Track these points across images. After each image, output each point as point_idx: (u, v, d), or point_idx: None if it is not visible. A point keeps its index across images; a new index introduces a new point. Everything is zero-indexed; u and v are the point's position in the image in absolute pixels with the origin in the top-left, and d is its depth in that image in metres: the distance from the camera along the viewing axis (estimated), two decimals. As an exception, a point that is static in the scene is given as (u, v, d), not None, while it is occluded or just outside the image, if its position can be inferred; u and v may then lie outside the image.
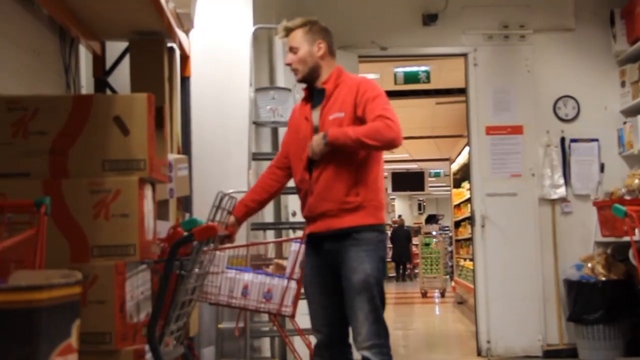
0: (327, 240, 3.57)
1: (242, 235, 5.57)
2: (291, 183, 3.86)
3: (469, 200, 8.70)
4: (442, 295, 15.05)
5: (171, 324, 3.03)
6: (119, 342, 2.82)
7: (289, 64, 3.70)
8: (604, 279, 6.68)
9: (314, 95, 3.70)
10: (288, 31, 3.72)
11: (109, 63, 5.19)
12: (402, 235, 21.70)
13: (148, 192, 3.06)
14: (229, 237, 3.74)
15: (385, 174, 20.51)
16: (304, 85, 3.78)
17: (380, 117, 3.45)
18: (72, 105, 2.97)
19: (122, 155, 2.94)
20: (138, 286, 3.04)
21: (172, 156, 4.27)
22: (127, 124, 2.95)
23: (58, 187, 2.87)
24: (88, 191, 2.88)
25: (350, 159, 3.51)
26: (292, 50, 3.69)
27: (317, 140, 3.50)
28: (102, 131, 2.95)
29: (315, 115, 3.65)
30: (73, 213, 2.84)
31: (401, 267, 22.51)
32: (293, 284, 4.25)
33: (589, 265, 6.86)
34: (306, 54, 3.67)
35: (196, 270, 3.26)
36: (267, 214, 6.23)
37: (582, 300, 6.74)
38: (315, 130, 3.60)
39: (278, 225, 6.13)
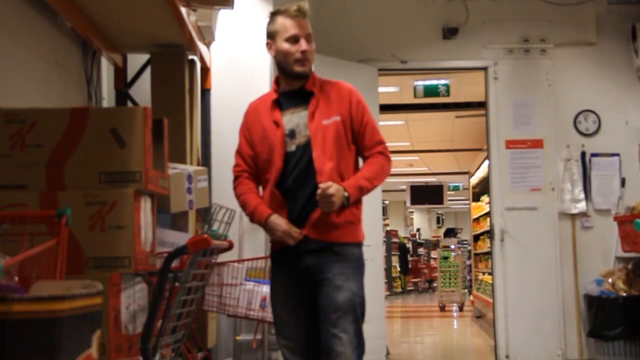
0: (308, 254, 3.24)
1: (260, 247, 5.58)
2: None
3: (488, 214, 8.67)
4: (461, 309, 14.96)
5: (166, 335, 3.03)
6: (113, 354, 2.82)
7: (305, 51, 3.25)
8: (624, 294, 6.63)
9: (286, 97, 3.33)
10: (304, 14, 3.28)
11: (130, 75, 5.24)
12: (401, 248, 21.65)
13: (146, 204, 3.07)
14: (229, 249, 3.65)
15: (404, 186, 20.51)
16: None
17: (379, 147, 3.32)
18: (69, 118, 2.98)
19: (118, 167, 2.96)
20: (134, 298, 3.04)
21: (191, 168, 4.29)
22: (123, 136, 2.97)
23: (54, 199, 2.88)
24: (84, 203, 2.89)
25: (345, 171, 3.27)
26: (309, 38, 3.29)
27: (338, 198, 3.15)
28: (98, 143, 2.97)
29: (290, 120, 3.28)
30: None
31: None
32: (311, 297, 4.24)
33: (610, 280, 6.81)
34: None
35: (194, 282, 3.27)
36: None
37: (603, 315, 6.68)
38: (291, 134, 3.25)
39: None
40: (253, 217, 3.29)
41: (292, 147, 3.25)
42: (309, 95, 3.31)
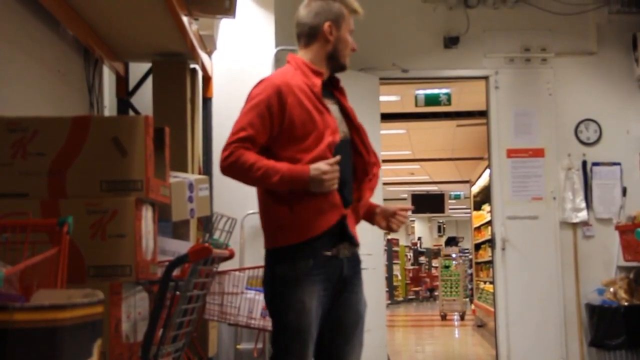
0: (346, 261, 3.00)
1: (261, 255, 5.57)
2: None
3: (489, 223, 8.65)
4: (462, 318, 14.94)
5: (167, 344, 3.02)
6: (113, 363, 2.81)
7: (354, 48, 3.17)
8: (626, 303, 6.61)
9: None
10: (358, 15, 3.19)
11: (132, 84, 5.25)
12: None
13: (147, 212, 3.07)
14: (230, 258, 3.54)
15: (405, 195, 20.50)
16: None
17: None
18: (70, 127, 2.98)
19: (120, 176, 2.95)
20: (135, 306, 3.04)
21: (193, 177, 4.29)
22: (124, 144, 2.97)
23: (56, 208, 2.88)
24: (85, 211, 2.88)
25: None
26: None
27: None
28: (100, 152, 2.97)
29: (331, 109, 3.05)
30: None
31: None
32: (312, 306, 4.23)
33: (611, 289, 6.80)
34: None
35: (195, 291, 3.26)
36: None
37: (604, 325, 6.66)
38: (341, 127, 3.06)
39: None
40: (292, 177, 2.84)
41: (337, 139, 3.00)
42: (335, 88, 3.17)
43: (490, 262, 9.19)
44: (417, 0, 7.41)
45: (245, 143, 2.85)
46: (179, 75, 4.93)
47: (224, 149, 2.87)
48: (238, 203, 5.57)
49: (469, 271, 17.27)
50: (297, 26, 3.16)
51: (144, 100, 5.15)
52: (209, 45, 5.26)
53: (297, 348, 2.88)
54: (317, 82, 3.03)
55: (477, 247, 13.80)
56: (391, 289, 19.65)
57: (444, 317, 15.06)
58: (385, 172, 11.65)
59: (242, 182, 2.93)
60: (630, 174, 7.27)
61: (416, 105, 10.42)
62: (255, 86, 3.01)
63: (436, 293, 19.96)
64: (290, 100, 2.92)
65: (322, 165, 2.85)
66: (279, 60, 5.92)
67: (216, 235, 4.44)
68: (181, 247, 3.89)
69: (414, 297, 23.26)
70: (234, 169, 2.85)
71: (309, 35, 3.11)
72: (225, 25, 5.68)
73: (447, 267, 15.97)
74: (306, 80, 3.01)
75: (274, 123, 2.90)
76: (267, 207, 2.98)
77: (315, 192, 2.87)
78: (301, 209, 2.90)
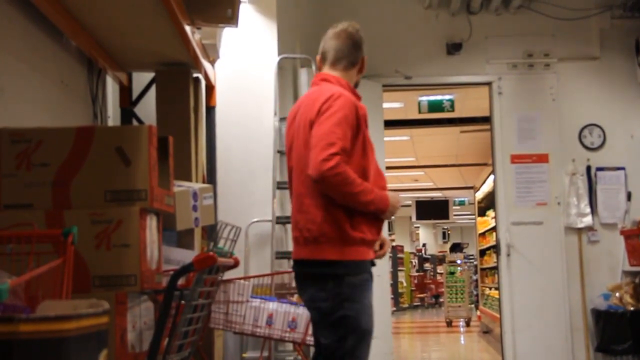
0: None
1: (266, 264, 5.58)
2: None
3: (494, 229, 8.65)
4: (468, 324, 14.89)
5: (172, 353, 3.02)
6: (119, 373, 2.80)
7: None
8: (632, 308, 6.60)
9: None
10: None
11: (135, 93, 5.26)
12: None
13: (152, 222, 3.07)
14: (234, 266, 3.61)
15: (409, 202, 20.48)
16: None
17: None
18: (74, 137, 2.98)
19: (124, 186, 2.95)
20: (140, 316, 3.03)
21: (197, 185, 4.29)
22: (128, 154, 2.97)
23: (60, 218, 2.88)
24: (90, 221, 2.88)
25: None
26: None
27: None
28: (104, 162, 2.97)
29: None
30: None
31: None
32: (318, 314, 4.23)
33: (617, 294, 6.79)
34: None
35: (200, 300, 3.26)
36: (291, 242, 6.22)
37: (611, 330, 6.65)
38: None
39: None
40: (380, 199, 3.09)
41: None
42: None
43: (495, 268, 9.18)
44: (420, 7, 7.43)
45: (345, 156, 2.99)
46: (182, 84, 4.94)
47: (327, 159, 2.94)
48: (242, 211, 5.57)
49: (474, 277, 17.23)
50: (338, 51, 3.33)
51: (147, 109, 5.16)
52: (212, 54, 5.26)
53: (364, 350, 3.07)
54: (363, 106, 3.24)
55: (482, 253, 13.76)
56: (396, 295, 19.60)
57: (449, 324, 15.02)
58: (389, 179, 11.60)
59: (333, 192, 3.01)
60: (635, 178, 7.26)
61: (419, 112, 10.43)
62: (332, 99, 3.11)
63: (441, 299, 19.94)
64: (359, 117, 3.14)
65: (399, 197, 3.21)
66: (281, 68, 5.94)
67: (221, 243, 4.44)
68: (186, 256, 3.89)
69: (419, 303, 23.21)
70: (338, 179, 2.95)
71: (351, 62, 3.34)
72: (227, 34, 5.69)
73: (452, 273, 15.93)
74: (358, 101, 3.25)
75: (351, 137, 3.08)
76: (330, 217, 3.07)
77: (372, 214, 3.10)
78: (362, 226, 3.09)
